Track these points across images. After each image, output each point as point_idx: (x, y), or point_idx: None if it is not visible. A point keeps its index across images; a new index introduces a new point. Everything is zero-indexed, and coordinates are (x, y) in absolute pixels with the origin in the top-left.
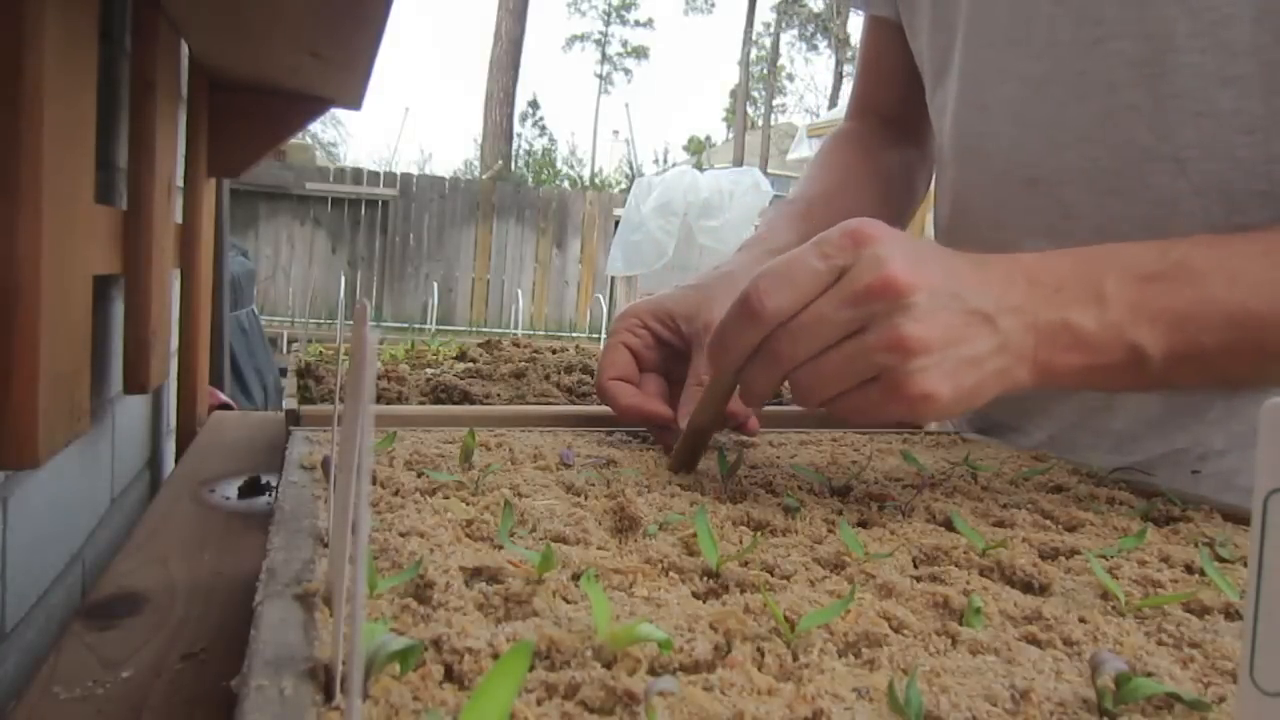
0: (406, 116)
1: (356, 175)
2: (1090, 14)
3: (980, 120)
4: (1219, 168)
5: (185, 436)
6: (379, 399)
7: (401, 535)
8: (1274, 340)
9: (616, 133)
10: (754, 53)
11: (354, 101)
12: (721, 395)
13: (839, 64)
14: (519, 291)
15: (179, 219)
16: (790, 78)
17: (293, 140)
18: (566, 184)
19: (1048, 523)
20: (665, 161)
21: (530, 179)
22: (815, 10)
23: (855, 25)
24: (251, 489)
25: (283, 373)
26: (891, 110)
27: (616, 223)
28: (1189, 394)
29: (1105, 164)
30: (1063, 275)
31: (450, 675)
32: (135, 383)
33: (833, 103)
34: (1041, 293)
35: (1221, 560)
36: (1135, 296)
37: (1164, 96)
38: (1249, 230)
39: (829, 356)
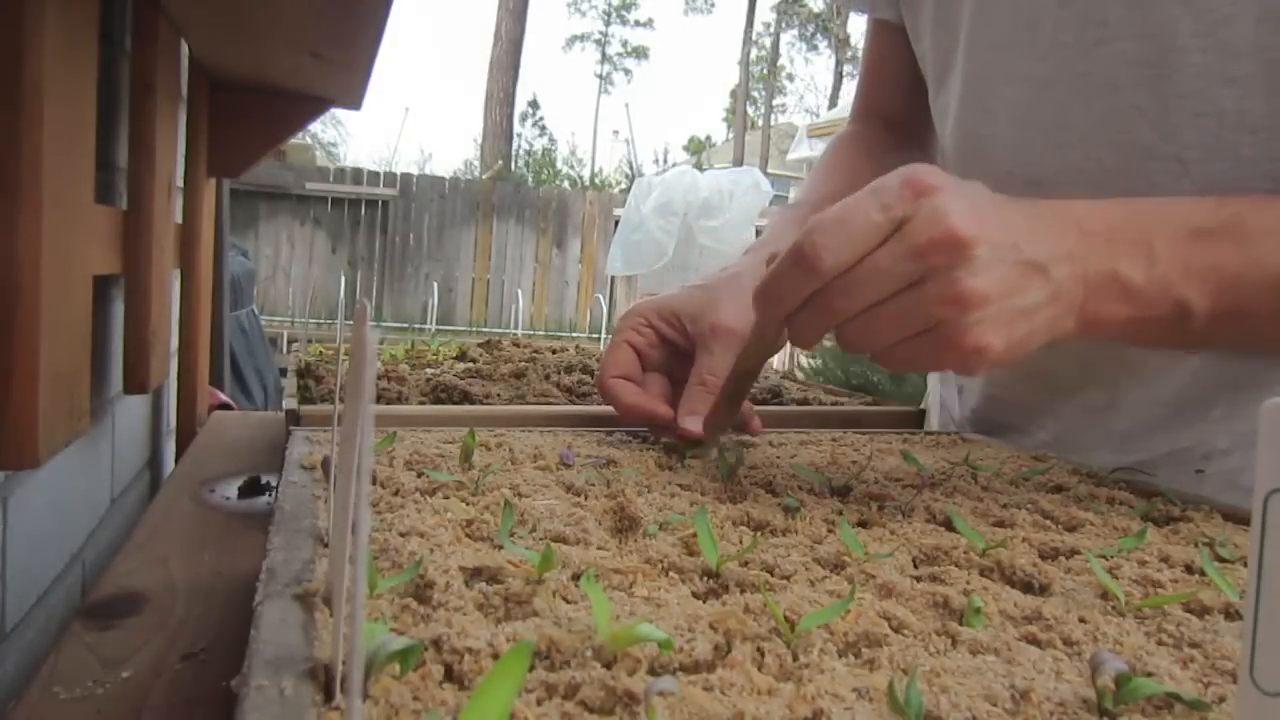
0: (406, 116)
1: (356, 175)
2: (1093, 15)
3: (983, 122)
4: (1222, 168)
5: (185, 436)
6: (379, 399)
7: (401, 535)
8: None
9: (616, 133)
10: (754, 53)
11: (354, 101)
12: (768, 344)
13: (839, 64)
14: (519, 291)
15: (179, 219)
16: (790, 78)
17: (293, 140)
18: (566, 184)
19: (1048, 523)
20: (665, 161)
21: (530, 179)
22: (815, 10)
23: (855, 25)
24: (251, 489)
25: (283, 373)
26: (895, 113)
27: (616, 223)
28: (1193, 390)
29: (1108, 164)
30: (1114, 226)
31: (450, 675)
32: (135, 383)
33: (833, 103)
34: (1093, 242)
35: (1221, 560)
36: (1185, 252)
37: (1167, 97)
38: None
39: (885, 308)
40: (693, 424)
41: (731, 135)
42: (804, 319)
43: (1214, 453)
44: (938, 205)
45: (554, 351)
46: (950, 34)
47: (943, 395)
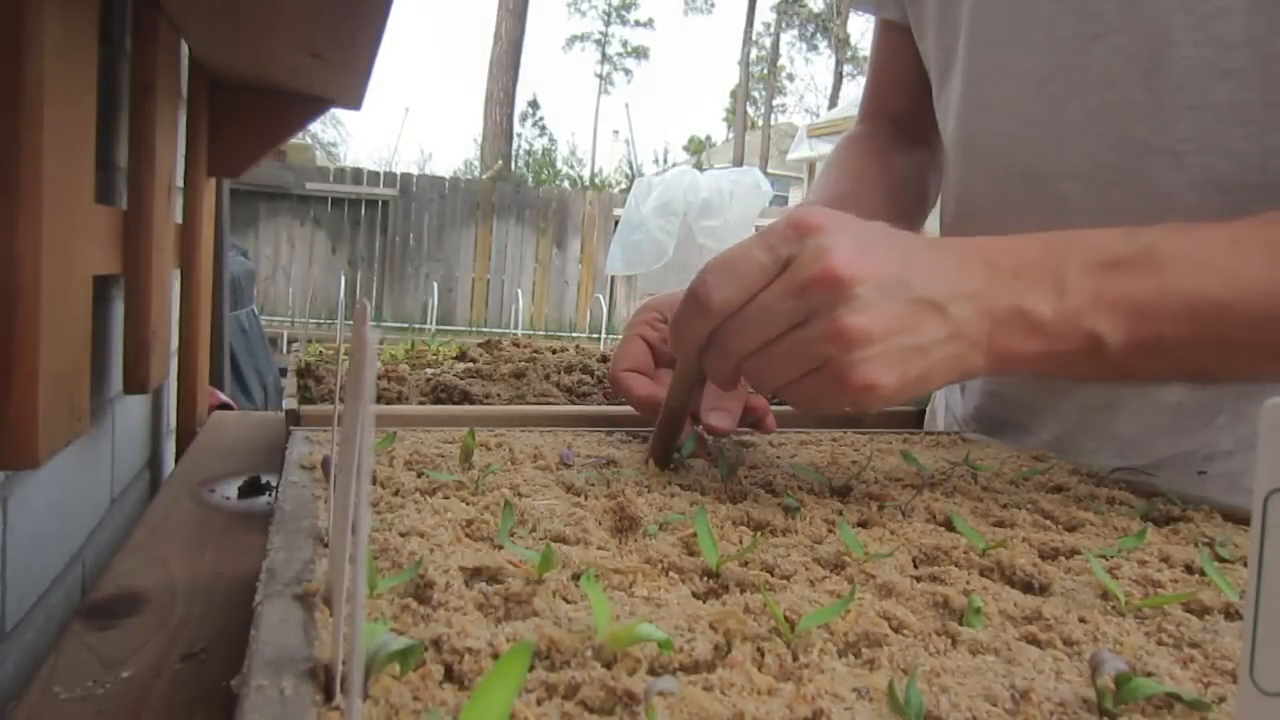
0: (406, 116)
1: (356, 175)
2: (1089, 10)
3: (981, 117)
4: (1215, 160)
5: (185, 436)
6: (379, 399)
7: (401, 535)
8: (1239, 332)
9: (616, 133)
10: (754, 53)
11: (354, 101)
12: (688, 380)
13: (839, 64)
14: (519, 291)
15: (179, 219)
16: (790, 78)
17: (293, 140)
18: (566, 184)
19: (1048, 523)
20: (665, 161)
21: (530, 179)
22: (815, 10)
23: (855, 25)
24: (251, 489)
25: (283, 373)
26: (902, 113)
27: (616, 223)
28: (1197, 397)
29: (1103, 158)
30: (1023, 260)
31: (450, 675)
32: (135, 383)
33: (833, 103)
34: (999, 277)
35: (1221, 560)
36: (1096, 284)
37: (1161, 90)
38: (1230, 220)
39: (776, 346)
40: (718, 419)
41: (731, 135)
42: (709, 357)
43: (1217, 454)
44: (820, 244)
45: (554, 351)
46: (952, 31)
47: (945, 395)
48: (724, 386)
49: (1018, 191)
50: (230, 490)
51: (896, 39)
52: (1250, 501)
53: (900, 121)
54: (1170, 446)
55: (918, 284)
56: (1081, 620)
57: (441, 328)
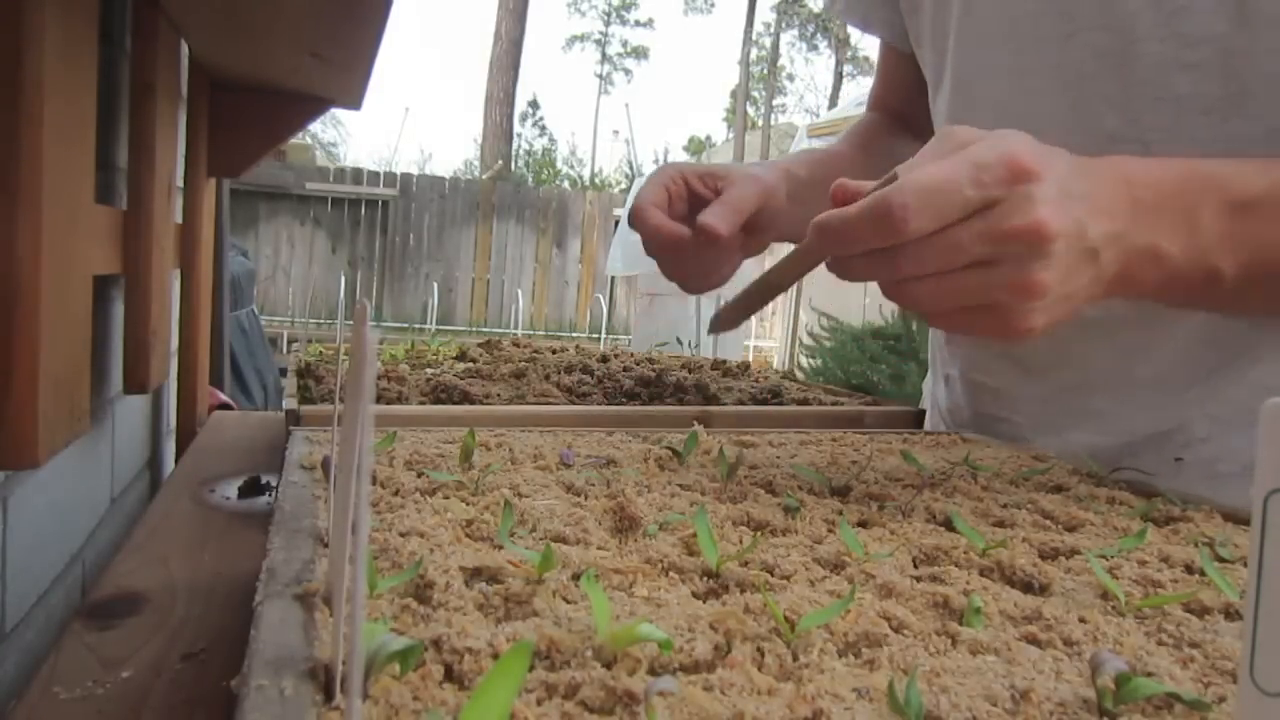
0: (406, 116)
1: (356, 175)
2: (1065, 9)
3: (967, 116)
4: (1181, 148)
5: (185, 436)
6: (379, 399)
7: (401, 535)
8: None
9: (616, 133)
10: (754, 53)
11: (354, 101)
12: (806, 265)
13: (839, 64)
14: (519, 291)
15: (179, 219)
16: (790, 78)
17: (293, 140)
18: (566, 184)
19: (1048, 523)
20: (665, 161)
21: (530, 179)
22: (815, 10)
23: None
24: (251, 489)
25: (283, 373)
26: (902, 113)
27: (616, 223)
28: (1171, 374)
29: (1078, 149)
30: (1163, 195)
31: (450, 675)
32: (135, 383)
33: (833, 103)
34: (1140, 213)
35: (1221, 560)
36: (1226, 225)
37: (1129, 84)
38: None
39: (953, 279)
40: (712, 218)
41: (731, 135)
42: (862, 265)
43: (1193, 441)
44: (1030, 194)
45: (554, 351)
46: (943, 37)
47: (933, 390)
48: (848, 279)
49: None
50: (230, 490)
51: (894, 50)
52: (1227, 488)
53: (902, 115)
54: (1146, 423)
55: (1090, 229)
56: (1081, 620)
57: (441, 328)
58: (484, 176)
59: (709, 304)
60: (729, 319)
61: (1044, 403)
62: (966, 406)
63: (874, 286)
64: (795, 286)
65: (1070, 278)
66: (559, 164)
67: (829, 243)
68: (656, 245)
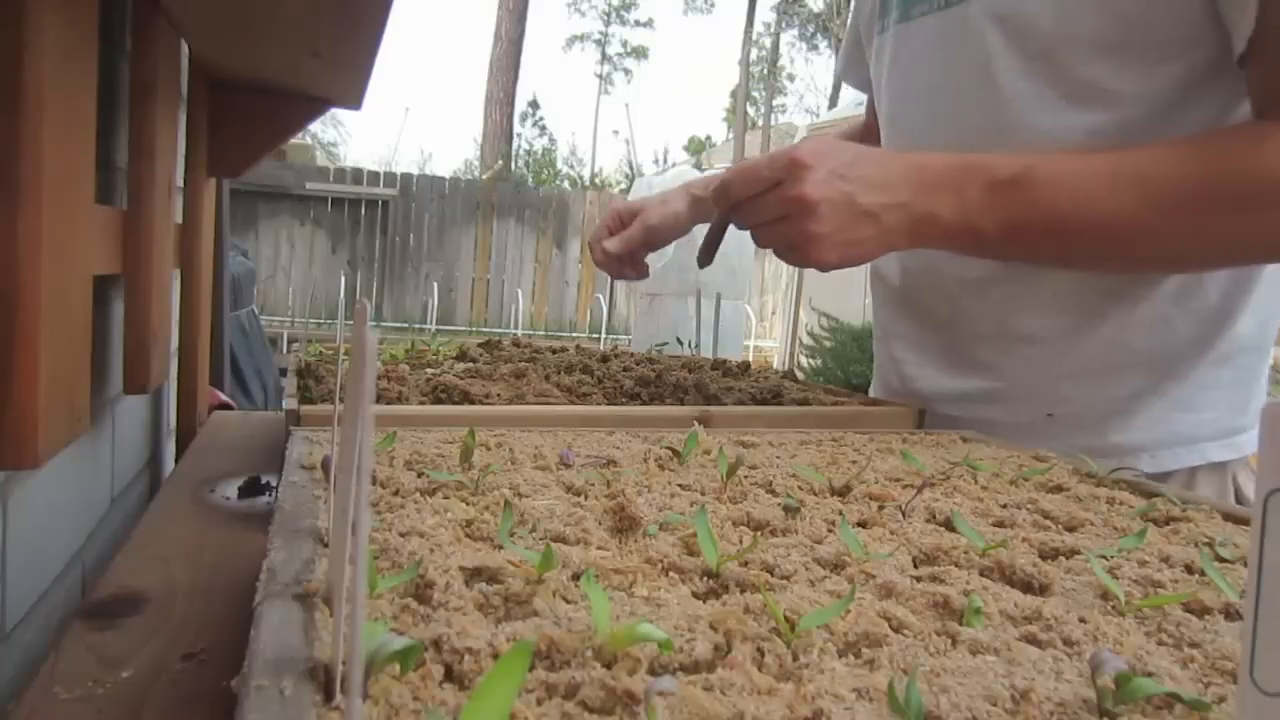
0: (406, 116)
1: (356, 175)
2: (945, 65)
3: (893, 142)
4: (1034, 140)
5: (185, 436)
6: (379, 399)
7: (401, 535)
8: (1075, 235)
9: (616, 133)
10: (754, 53)
11: (354, 101)
12: (723, 220)
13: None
14: (519, 291)
15: (179, 219)
16: (790, 78)
17: (293, 140)
18: (566, 184)
19: (1048, 523)
20: (665, 161)
21: (530, 179)
22: (815, 10)
23: None
24: (251, 489)
25: (283, 373)
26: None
27: None
28: (1041, 331)
29: (964, 146)
30: (940, 176)
31: (450, 675)
32: (135, 383)
33: (833, 103)
34: (923, 190)
35: (1221, 560)
36: (986, 198)
37: (997, 109)
38: (1124, 149)
39: (770, 227)
40: (611, 245)
41: (731, 135)
42: (736, 216)
43: (1059, 399)
44: (801, 176)
45: (554, 351)
46: (879, 88)
47: (876, 364)
48: (741, 228)
49: None
50: (230, 490)
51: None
52: (1098, 440)
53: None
54: (1024, 376)
55: (862, 197)
56: (1081, 620)
57: (441, 328)
58: (484, 176)
59: (709, 305)
60: (705, 255)
61: (943, 351)
62: (888, 362)
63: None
64: (796, 286)
65: (846, 229)
66: (559, 164)
67: (716, 203)
68: (597, 261)
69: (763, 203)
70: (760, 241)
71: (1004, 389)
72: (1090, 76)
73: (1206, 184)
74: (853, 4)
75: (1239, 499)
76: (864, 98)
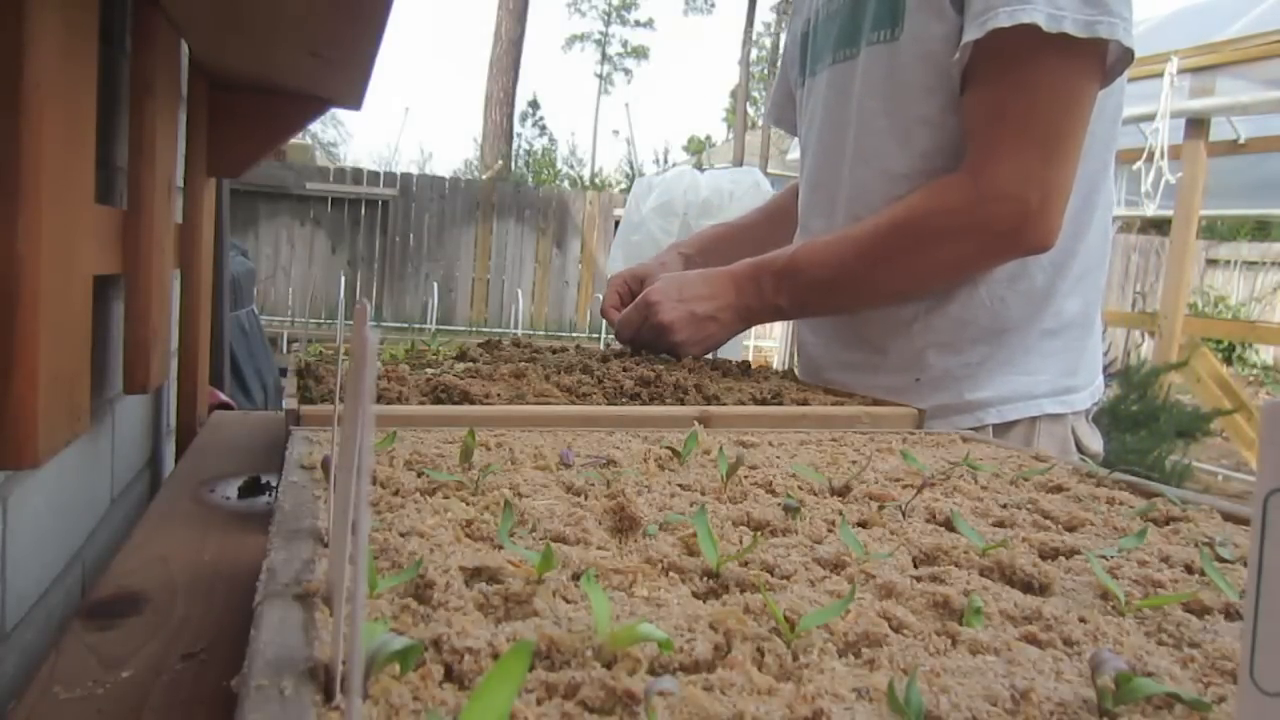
0: (406, 116)
1: (356, 175)
2: (832, 122)
3: (804, 180)
4: (889, 165)
5: (185, 436)
6: (379, 399)
7: (401, 535)
8: (835, 290)
9: (616, 133)
10: (754, 53)
11: (354, 101)
12: (623, 339)
13: None
14: (519, 291)
15: (179, 219)
16: None
17: (293, 140)
18: (566, 184)
19: (1048, 523)
20: (665, 161)
21: (530, 179)
22: None
23: None
24: (251, 489)
25: (283, 373)
26: None
27: (616, 223)
28: (898, 314)
29: (839, 178)
30: (744, 277)
31: (450, 675)
32: (135, 383)
33: None
34: (735, 290)
35: (1221, 560)
36: (774, 283)
37: (859, 147)
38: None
39: (637, 337)
40: (614, 316)
41: (731, 135)
42: (622, 337)
43: (925, 365)
44: (657, 309)
45: (554, 351)
46: (801, 137)
47: (795, 349)
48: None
49: (809, 195)
50: (230, 490)
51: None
52: (961, 396)
53: None
54: (896, 348)
55: (699, 309)
56: (1081, 620)
57: (441, 328)
58: (484, 176)
59: None
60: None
61: (838, 332)
62: (799, 349)
63: None
64: None
65: (697, 331)
66: (559, 164)
67: (618, 334)
68: (610, 325)
69: (640, 336)
70: (640, 346)
71: (884, 360)
72: (919, 115)
73: (894, 232)
74: (780, 62)
75: (1079, 447)
76: None
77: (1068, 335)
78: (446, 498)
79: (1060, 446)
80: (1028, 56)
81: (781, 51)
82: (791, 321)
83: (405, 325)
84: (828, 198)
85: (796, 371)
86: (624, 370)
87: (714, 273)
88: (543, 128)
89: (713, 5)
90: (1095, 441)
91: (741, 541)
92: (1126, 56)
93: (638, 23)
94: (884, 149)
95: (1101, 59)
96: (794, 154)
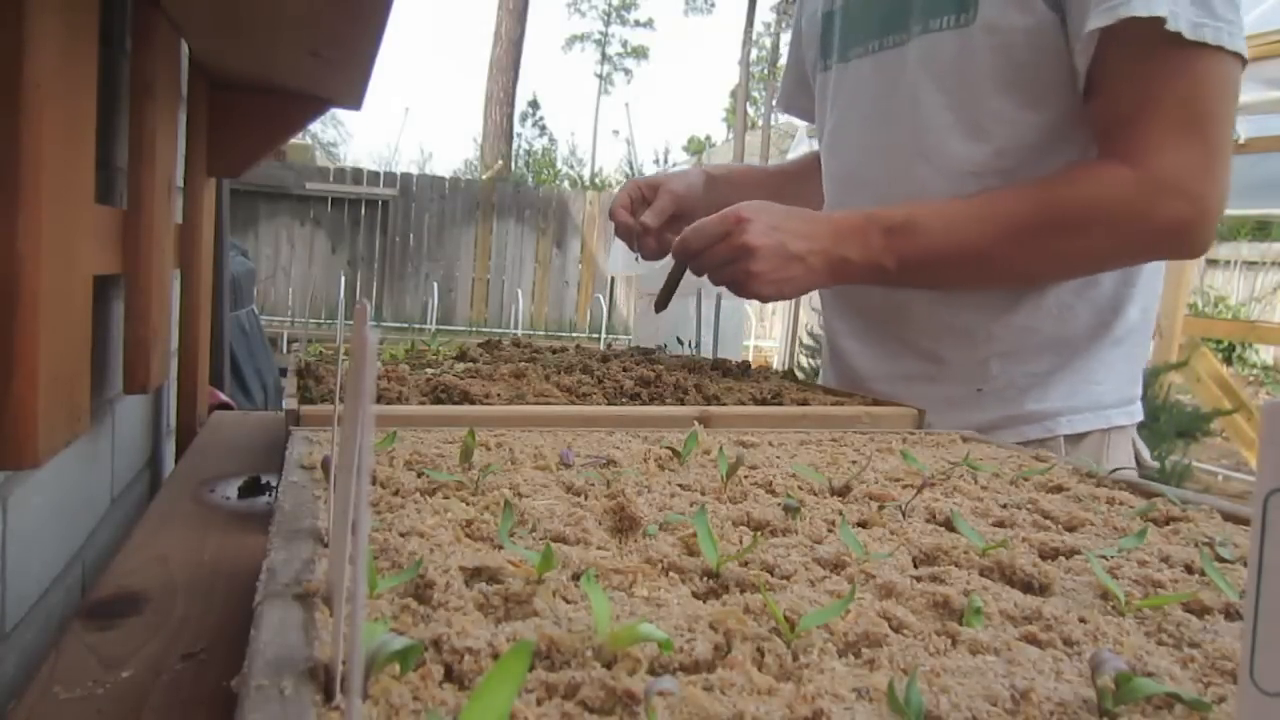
0: (406, 116)
1: (356, 175)
2: (876, 110)
3: (832, 165)
4: (952, 164)
5: (185, 436)
6: (379, 399)
7: (401, 535)
8: (949, 263)
9: (616, 133)
10: (754, 53)
11: (354, 101)
12: (679, 270)
13: None
14: (519, 291)
15: (179, 219)
16: None
17: (293, 140)
18: (566, 184)
19: (1048, 523)
20: (665, 161)
21: (530, 179)
22: None
23: None
24: (251, 489)
25: (283, 373)
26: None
27: None
28: (964, 321)
29: (889, 172)
30: (848, 227)
31: (450, 675)
32: (135, 383)
33: None
34: (837, 238)
35: (1221, 560)
36: (883, 241)
37: (917, 134)
38: (972, 196)
39: (722, 269)
40: (647, 217)
41: (731, 135)
42: (695, 266)
43: (988, 375)
44: (744, 228)
45: (554, 351)
46: (823, 118)
47: (824, 358)
48: (699, 274)
49: (854, 198)
50: (230, 490)
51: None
52: (1022, 408)
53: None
54: (956, 358)
55: (790, 244)
56: (1081, 620)
57: (441, 328)
58: (484, 176)
59: (709, 305)
60: (663, 300)
61: (884, 341)
62: (836, 355)
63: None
64: None
65: (780, 269)
66: (559, 164)
67: (676, 254)
68: (620, 231)
69: (714, 252)
70: (713, 281)
71: (941, 371)
72: (992, 110)
73: (1042, 213)
74: (788, 47)
75: (1138, 460)
76: None
77: (1129, 343)
78: (446, 498)
79: (1128, 459)
80: (1167, 48)
81: (792, 33)
82: (793, 328)
83: (405, 325)
84: (875, 196)
85: (829, 382)
86: (624, 370)
87: (813, 213)
88: (543, 128)
89: (713, 5)
90: (1145, 453)
91: (741, 541)
92: (1239, 61)
93: (638, 23)
94: (950, 146)
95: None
96: (795, 153)
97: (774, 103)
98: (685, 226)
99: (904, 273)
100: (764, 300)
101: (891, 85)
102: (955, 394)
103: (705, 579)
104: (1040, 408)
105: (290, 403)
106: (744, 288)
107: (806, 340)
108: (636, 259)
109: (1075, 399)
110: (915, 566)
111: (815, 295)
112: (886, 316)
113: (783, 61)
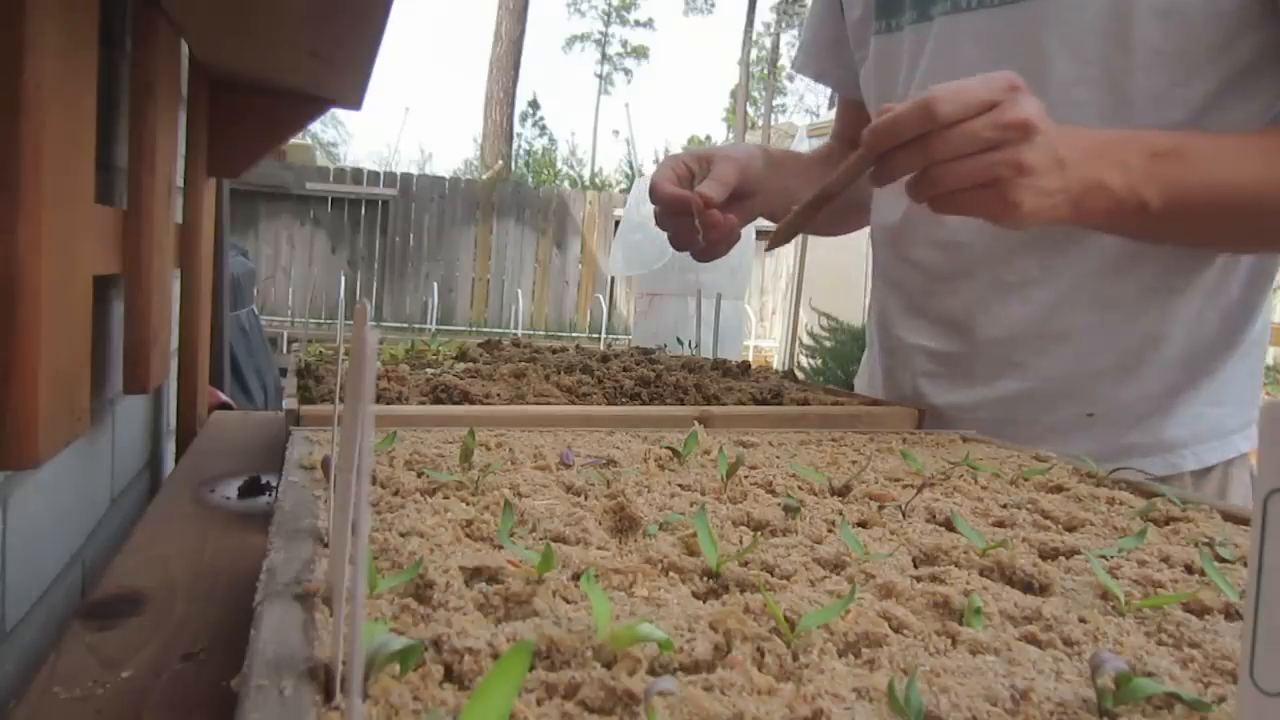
0: (406, 116)
1: (356, 175)
2: (999, 54)
3: None
4: None
5: (185, 436)
6: (379, 399)
7: (401, 535)
8: (1232, 206)
9: (616, 133)
10: (754, 53)
11: (354, 101)
12: (854, 175)
13: None
14: (519, 291)
15: (179, 219)
16: (790, 78)
17: (293, 140)
18: (566, 184)
19: (1048, 523)
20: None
21: (530, 179)
22: None
23: None
24: (251, 489)
25: (283, 373)
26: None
27: (616, 223)
28: (1074, 327)
29: None
30: (1101, 144)
31: (450, 675)
32: (135, 383)
33: (832, 103)
34: (1086, 158)
35: (1221, 560)
36: (1148, 167)
37: (1043, 96)
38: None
39: (968, 160)
40: (705, 188)
41: (732, 135)
42: (901, 156)
43: (1097, 398)
44: (1021, 100)
45: (554, 351)
46: (870, 95)
47: (873, 367)
48: (884, 183)
49: None
50: (230, 490)
51: (847, 98)
52: (1132, 437)
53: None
54: (1061, 376)
55: (1059, 146)
56: (1081, 620)
57: (441, 328)
58: (484, 176)
59: (709, 305)
60: (784, 234)
61: (971, 358)
62: (902, 373)
63: (872, 287)
64: (796, 286)
65: (1047, 175)
66: (559, 164)
67: (881, 137)
68: (670, 209)
69: (973, 127)
70: (945, 181)
71: (1039, 389)
72: (1140, 86)
73: None
74: (813, 3)
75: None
76: None
77: (1252, 357)
78: (446, 498)
79: (1247, 494)
80: None
81: None
82: (793, 328)
83: (405, 325)
84: None
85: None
86: (624, 370)
87: (1061, 125)
88: (543, 128)
89: (713, 5)
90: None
91: (741, 541)
92: None
93: (638, 23)
94: (1093, 126)
95: None
96: (803, 144)
97: (792, 62)
98: (745, 207)
99: (1170, 213)
100: (1015, 222)
101: (1010, 52)
102: (1060, 418)
103: (705, 579)
104: (1163, 437)
105: (290, 403)
106: (1003, 191)
107: (806, 340)
108: (667, 256)
109: (1202, 424)
110: (915, 566)
111: (815, 296)
112: (979, 323)
113: (782, 62)
